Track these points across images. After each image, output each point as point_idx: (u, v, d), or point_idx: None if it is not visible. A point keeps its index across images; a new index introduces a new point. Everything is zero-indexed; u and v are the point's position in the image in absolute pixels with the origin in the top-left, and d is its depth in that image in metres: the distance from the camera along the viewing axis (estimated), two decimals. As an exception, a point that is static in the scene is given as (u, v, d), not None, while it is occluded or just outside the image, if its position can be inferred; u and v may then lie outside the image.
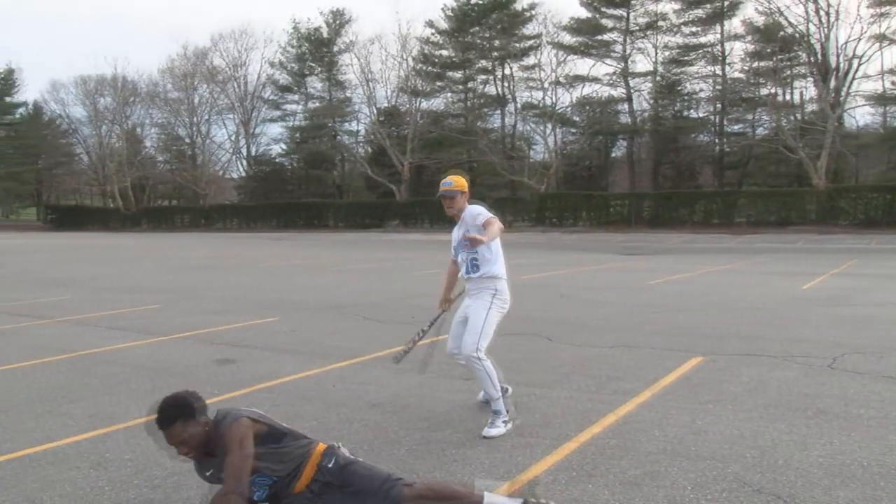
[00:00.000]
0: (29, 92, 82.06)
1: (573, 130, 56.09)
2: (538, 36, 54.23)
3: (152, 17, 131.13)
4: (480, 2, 54.54)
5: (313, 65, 61.79)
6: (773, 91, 48.35)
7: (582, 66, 75.76)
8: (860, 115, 59.50)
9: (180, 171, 63.56)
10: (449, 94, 59.09)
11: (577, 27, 52.95)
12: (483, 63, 56.61)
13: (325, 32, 60.56)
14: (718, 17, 49.98)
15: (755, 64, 49.03)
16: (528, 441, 4.58)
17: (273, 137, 68.96)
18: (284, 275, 16.98)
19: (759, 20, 46.52)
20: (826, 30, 42.55)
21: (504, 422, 4.70)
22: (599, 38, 53.44)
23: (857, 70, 42.76)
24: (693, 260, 19.98)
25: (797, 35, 44.15)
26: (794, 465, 4.07)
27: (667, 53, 52.23)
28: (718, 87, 50.42)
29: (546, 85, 53.34)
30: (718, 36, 51.05)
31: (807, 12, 42.87)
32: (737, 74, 50.74)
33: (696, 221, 40.17)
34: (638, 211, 42.69)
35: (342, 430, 4.80)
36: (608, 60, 53.76)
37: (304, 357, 7.26)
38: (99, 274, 17.82)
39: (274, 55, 63.95)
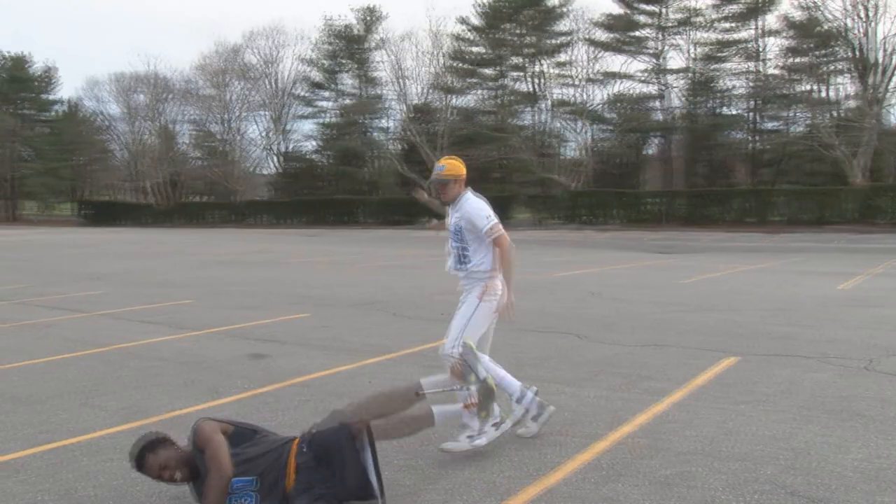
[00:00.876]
0: (65, 89, 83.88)
1: (606, 128, 55.71)
2: (571, 32, 53.96)
3: (187, 15, 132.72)
4: (513, -2, 54.42)
5: (345, 62, 62.05)
6: (809, 87, 47.58)
7: (615, 62, 75.08)
8: (900, 112, 58.30)
9: (213, 168, 64.21)
10: (481, 91, 59.02)
11: (611, 23, 52.55)
12: (515, 60, 56.41)
13: (357, 29, 60.80)
14: (754, 12, 49.26)
15: (792, 60, 48.25)
16: (557, 439, 4.56)
17: (305, 134, 69.50)
18: (315, 271, 17.09)
19: (797, 15, 45.84)
20: (866, 25, 41.76)
21: (469, 437, 4.30)
22: (633, 34, 53.00)
23: (898, 66, 41.90)
24: (726, 259, 19.74)
25: (836, 30, 43.36)
26: (830, 468, 4.00)
27: (701, 50, 51.66)
28: (754, 84, 49.72)
29: (579, 82, 53.08)
30: (754, 32, 50.37)
31: (846, 7, 42.11)
32: (773, 71, 50.04)
33: (729, 220, 39.67)
34: (671, 209, 42.27)
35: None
36: (642, 57, 53.33)
37: (335, 353, 7.30)
38: (132, 269, 18.08)
39: (306, 52, 64.20)
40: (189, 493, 3.65)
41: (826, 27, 43.66)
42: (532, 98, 56.29)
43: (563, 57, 54.83)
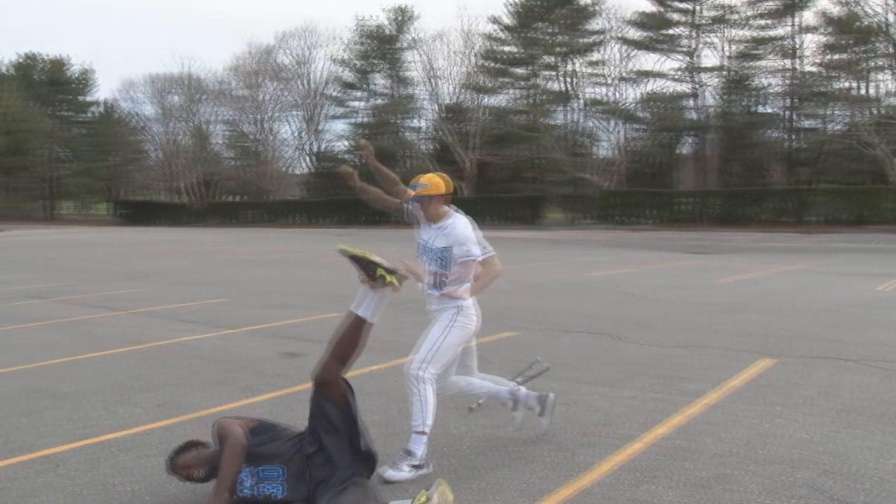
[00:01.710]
0: (101, 91, 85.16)
1: (639, 127, 55.22)
2: (603, 31, 53.56)
3: (220, 16, 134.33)
4: (545, -3, 54.19)
5: (377, 62, 62.24)
6: (848, 85, 46.70)
7: (648, 61, 74.46)
8: (943, 110, 56.93)
9: (246, 168, 64.81)
10: (513, 91, 58.82)
11: (643, 21, 52.05)
12: (547, 59, 56.14)
13: (388, 30, 60.98)
14: (791, 8, 48.45)
15: (830, 57, 47.40)
16: (591, 440, 4.53)
17: (337, 134, 69.66)
18: (347, 270, 17.12)
19: (835, 11, 44.99)
20: (908, 20, 40.88)
21: (414, 466, 3.97)
22: (666, 32, 52.46)
23: (940, 62, 41.01)
24: (763, 259, 19.45)
25: (876, 25, 42.51)
26: (871, 473, 3.93)
27: (736, 47, 50.97)
28: (790, 82, 48.94)
29: (611, 81, 52.68)
30: (790, 28, 49.55)
31: (887, 2, 41.25)
32: (810, 68, 49.18)
33: (765, 220, 39.07)
34: (705, 209, 41.75)
35: (405, 424, 4.81)
36: (675, 55, 52.75)
37: (367, 352, 7.26)
38: (168, 267, 18.33)
39: (338, 52, 64.38)
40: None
41: (866, 22, 42.82)
42: (564, 97, 55.99)
43: (595, 56, 54.47)
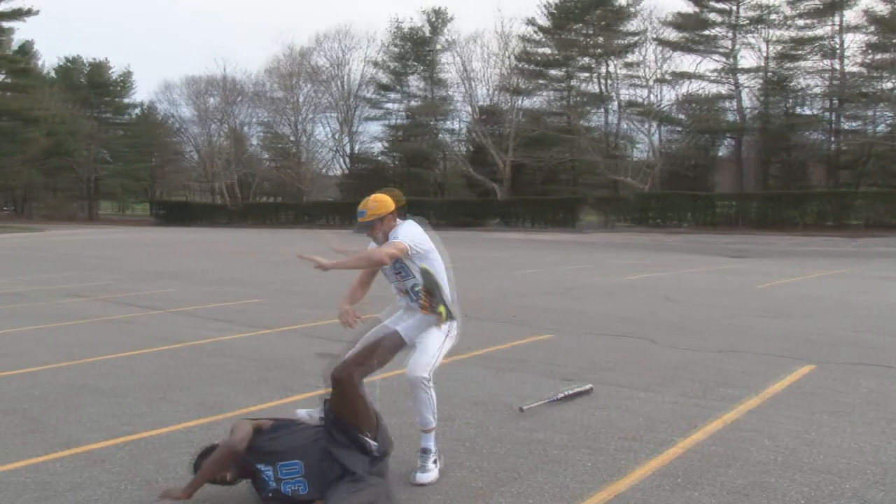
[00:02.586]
0: (140, 93, 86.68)
1: (676, 129, 54.64)
2: (640, 32, 53.12)
3: (257, 19, 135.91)
4: (582, -2, 53.90)
5: (414, 63, 62.45)
6: (893, 85, 45.69)
7: (685, 62, 73.68)
8: None
9: (283, 169, 65.41)
10: (549, 92, 58.62)
11: (681, 22, 51.49)
12: (583, 60, 55.83)
13: (424, 31, 61.15)
14: (833, 8, 47.54)
15: (873, 57, 46.43)
16: (631, 444, 4.48)
17: (372, 136, 69.98)
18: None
19: (880, 9, 44.04)
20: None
21: (434, 461, 4.07)
22: (704, 33, 51.83)
23: None
24: (804, 263, 19.10)
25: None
26: (920, 483, 3.82)
27: (775, 48, 50.15)
28: (832, 83, 48.02)
29: (648, 82, 52.20)
30: (832, 28, 48.63)
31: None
32: (852, 68, 48.21)
33: (807, 223, 38.34)
34: (745, 212, 41.14)
35: (443, 426, 4.81)
36: (713, 56, 52.09)
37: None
38: (205, 267, 18.56)
39: (375, 54, 64.76)
40: (251, 489, 3.76)
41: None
42: (600, 99, 55.63)
43: (632, 57, 54.01)
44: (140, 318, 10.00)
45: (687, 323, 9.13)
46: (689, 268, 17.80)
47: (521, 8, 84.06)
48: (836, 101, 48.43)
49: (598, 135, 55.40)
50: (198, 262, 20.31)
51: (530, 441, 4.56)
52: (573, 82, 57.40)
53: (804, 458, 4.21)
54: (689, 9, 51.81)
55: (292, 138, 66.12)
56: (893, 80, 45.40)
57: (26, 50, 68.11)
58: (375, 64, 63.25)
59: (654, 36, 52.15)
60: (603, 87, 55.68)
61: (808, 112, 50.66)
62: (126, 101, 78.47)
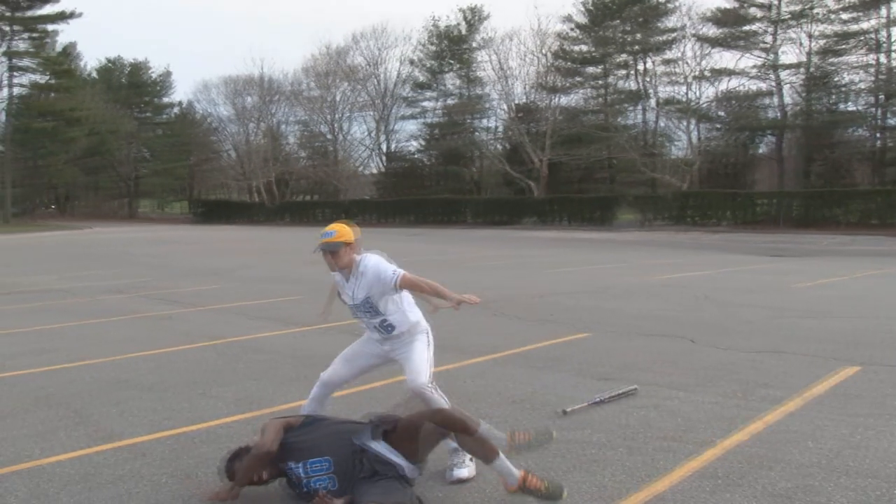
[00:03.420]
0: (179, 93, 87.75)
1: (715, 126, 53.89)
2: (678, 29, 52.49)
3: (296, 18, 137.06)
4: (619, -6, 53.43)
5: (451, 62, 62.46)
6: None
7: (724, 58, 72.65)
8: None
9: (320, 167, 65.87)
10: (585, 90, 58.20)
11: (720, 18, 50.74)
12: (621, 58, 55.35)
13: (460, 29, 61.13)
14: (879, 0, 46.46)
15: (922, 51, 45.30)
16: (670, 445, 4.43)
17: (409, 134, 70.11)
18: (420, 270, 17.21)
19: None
20: None
21: (471, 458, 4.02)
22: (744, 28, 51.01)
23: None
24: (847, 263, 18.71)
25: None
26: (971, 488, 3.72)
27: (818, 43, 49.13)
28: (878, 78, 46.92)
29: (686, 79, 51.55)
30: (878, 21, 47.49)
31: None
32: (900, 63, 47.06)
33: (851, 222, 37.55)
34: (786, 210, 40.43)
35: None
36: (753, 52, 51.25)
37: (440, 351, 7.28)
38: (244, 265, 18.76)
39: (412, 52, 64.87)
40: (285, 486, 3.78)
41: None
42: (638, 96, 55.08)
43: (670, 54, 53.36)
44: (179, 315, 10.16)
45: (727, 323, 9.00)
46: (729, 267, 17.55)
47: (558, 5, 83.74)
48: (881, 97, 47.31)
49: (636, 132, 54.86)
50: (236, 260, 20.55)
51: (568, 440, 4.54)
52: (610, 80, 56.93)
53: (849, 462, 4.12)
54: (729, 4, 51.02)
55: (329, 137, 66.58)
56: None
57: (69, 52, 69.62)
58: (411, 62, 63.42)
59: (693, 32, 51.46)
60: (640, 84, 55.14)
61: (852, 108, 49.56)
62: (165, 100, 79.87)
